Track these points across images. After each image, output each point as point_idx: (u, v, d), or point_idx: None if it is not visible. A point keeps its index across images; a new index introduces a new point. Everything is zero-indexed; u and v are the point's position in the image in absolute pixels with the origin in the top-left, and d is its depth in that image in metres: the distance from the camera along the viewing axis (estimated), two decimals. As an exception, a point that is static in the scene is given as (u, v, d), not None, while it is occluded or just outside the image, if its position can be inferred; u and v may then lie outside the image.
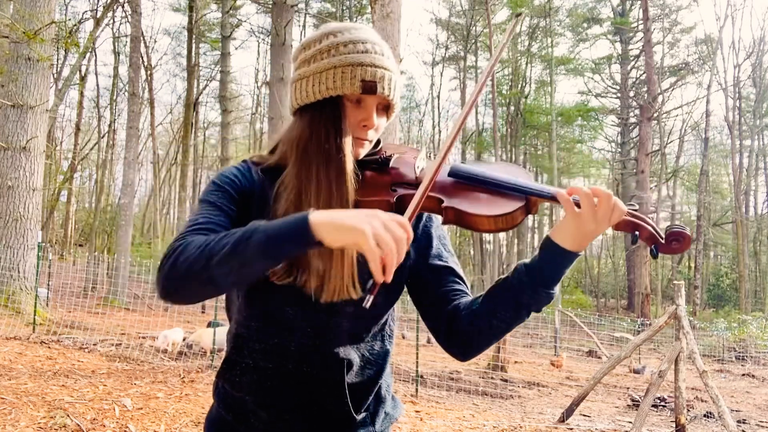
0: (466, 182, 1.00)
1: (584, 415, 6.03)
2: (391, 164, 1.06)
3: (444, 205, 0.96)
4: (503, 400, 6.73)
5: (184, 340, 7.42)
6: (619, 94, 28.24)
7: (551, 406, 6.46)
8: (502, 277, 1.01)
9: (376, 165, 1.07)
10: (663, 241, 0.91)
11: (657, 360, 11.82)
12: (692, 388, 7.87)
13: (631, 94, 27.39)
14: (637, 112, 26.29)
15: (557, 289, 0.98)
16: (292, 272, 0.98)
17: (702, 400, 7.34)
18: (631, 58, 27.55)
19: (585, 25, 28.22)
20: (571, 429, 5.34)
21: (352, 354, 1.06)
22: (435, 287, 1.09)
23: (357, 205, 0.99)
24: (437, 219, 1.16)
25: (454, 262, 1.13)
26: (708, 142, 24.43)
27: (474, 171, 1.00)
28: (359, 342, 1.08)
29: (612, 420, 5.97)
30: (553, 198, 0.93)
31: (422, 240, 1.12)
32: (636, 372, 10.04)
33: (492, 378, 7.83)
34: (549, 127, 24.47)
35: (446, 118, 34.93)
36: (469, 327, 1.03)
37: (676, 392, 5.19)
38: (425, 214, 1.14)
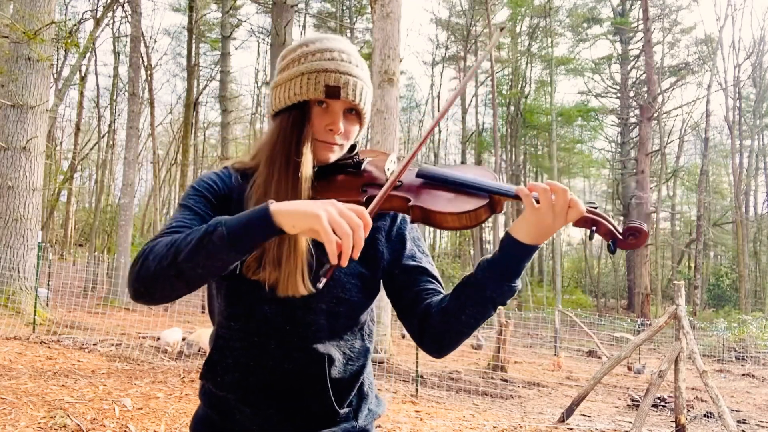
0: (432, 182, 1.04)
1: (584, 415, 6.03)
2: (362, 167, 1.12)
3: (411, 204, 1.00)
4: (503, 400, 6.73)
5: (183, 339, 7.43)
6: (619, 94, 28.24)
7: (551, 406, 6.46)
8: (467, 274, 1.05)
9: (348, 168, 1.12)
10: (620, 237, 0.94)
11: (657, 360, 11.82)
12: (692, 388, 7.87)
13: (631, 94, 27.39)
14: (637, 112, 26.30)
15: (519, 282, 1.02)
16: (265, 266, 1.01)
17: (702, 400, 7.34)
18: (631, 58, 27.56)
19: (585, 25, 28.22)
20: (571, 429, 5.34)
21: (332, 351, 1.08)
22: (409, 287, 1.13)
23: None
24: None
25: (428, 262, 1.17)
26: (708, 142, 24.42)
27: (440, 172, 1.05)
28: (339, 340, 1.10)
29: (612, 420, 5.97)
30: (515, 196, 0.98)
31: (396, 242, 1.16)
32: (637, 372, 10.04)
33: (492, 378, 7.83)
34: (549, 127, 24.47)
35: (446, 118, 34.91)
36: (440, 324, 1.06)
37: (676, 392, 5.19)
38: (399, 217, 1.19)
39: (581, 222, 0.96)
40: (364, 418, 1.16)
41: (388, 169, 1.09)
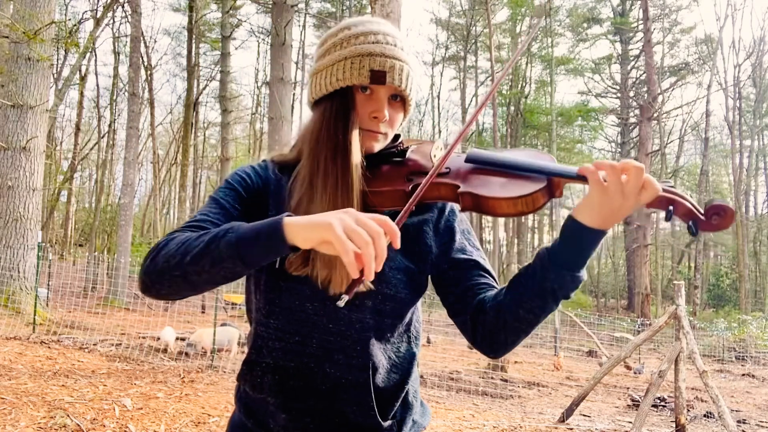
0: (482, 167, 0.96)
1: (584, 415, 6.03)
2: (407, 155, 1.06)
3: (460, 190, 0.92)
4: (503, 400, 6.73)
5: (179, 340, 7.41)
6: (619, 94, 28.24)
7: (551, 406, 6.46)
8: (525, 264, 0.96)
9: (393, 157, 1.06)
10: (703, 217, 0.83)
11: (657, 360, 11.82)
12: (692, 388, 7.87)
13: (631, 94, 27.38)
14: (637, 112, 26.29)
15: (584, 272, 0.91)
16: (308, 263, 0.95)
17: (702, 400, 7.34)
18: (631, 58, 27.56)
19: (585, 25, 28.21)
20: (571, 429, 5.34)
21: (378, 354, 1.02)
22: (459, 282, 1.05)
23: (370, 196, 0.98)
24: (461, 213, 1.14)
25: (479, 256, 1.09)
26: (708, 142, 24.41)
27: (491, 155, 0.97)
28: (385, 342, 1.04)
29: (612, 420, 5.97)
30: (577, 178, 0.87)
31: (445, 235, 1.09)
32: (637, 372, 10.03)
33: (492, 378, 7.83)
34: (549, 127, 24.47)
35: (446, 118, 34.97)
36: (495, 321, 0.97)
37: (676, 392, 5.19)
38: (447, 209, 1.12)
39: (656, 202, 0.85)
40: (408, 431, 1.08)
41: (435, 156, 1.03)
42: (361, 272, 0.75)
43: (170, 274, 0.87)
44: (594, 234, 0.87)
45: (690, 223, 0.84)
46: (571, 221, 0.88)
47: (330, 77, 1.02)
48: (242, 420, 1.09)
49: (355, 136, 0.99)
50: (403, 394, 1.06)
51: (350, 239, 0.75)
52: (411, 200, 0.87)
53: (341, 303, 0.78)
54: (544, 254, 0.92)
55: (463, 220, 1.14)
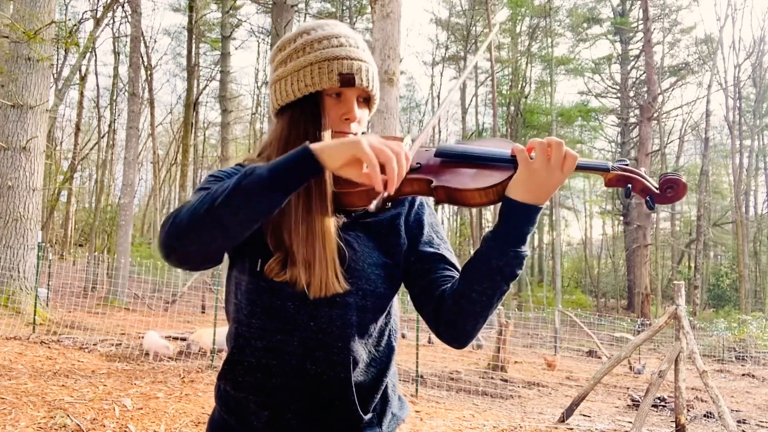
0: (453, 160, 1.00)
1: (584, 415, 6.03)
2: None
3: (434, 185, 0.97)
4: (503, 400, 6.73)
5: (177, 340, 7.36)
6: (619, 94, 28.24)
7: (551, 406, 6.46)
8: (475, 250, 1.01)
9: None
10: (657, 191, 0.91)
11: (657, 360, 11.82)
12: (692, 388, 7.86)
13: (631, 94, 27.38)
14: (637, 112, 26.29)
15: (526, 248, 0.97)
16: (287, 268, 0.98)
17: (702, 400, 7.33)
18: (631, 58, 27.56)
19: (585, 25, 28.21)
20: (571, 429, 5.34)
21: (358, 350, 1.03)
22: (425, 274, 1.08)
23: (342, 195, 1.00)
24: (429, 207, 1.17)
25: (445, 249, 1.12)
26: (708, 142, 24.40)
27: (460, 149, 1.01)
28: (367, 337, 1.05)
29: (612, 420, 5.97)
30: None
31: (414, 227, 1.12)
32: (637, 372, 10.03)
33: (492, 378, 7.83)
34: (549, 127, 24.48)
35: (446, 118, 34.94)
36: (452, 308, 1.01)
37: (676, 392, 5.19)
38: (417, 203, 1.15)
39: (614, 181, 0.93)
40: (387, 424, 1.10)
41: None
42: (385, 186, 0.85)
43: (201, 222, 0.86)
44: (528, 209, 0.94)
45: (647, 198, 0.91)
46: (506, 200, 0.95)
47: (297, 83, 1.03)
48: (224, 418, 1.09)
49: (328, 139, 1.01)
50: (382, 388, 1.08)
51: (376, 155, 0.84)
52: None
53: (371, 207, 0.89)
54: (488, 236, 0.98)
55: (432, 213, 1.16)
